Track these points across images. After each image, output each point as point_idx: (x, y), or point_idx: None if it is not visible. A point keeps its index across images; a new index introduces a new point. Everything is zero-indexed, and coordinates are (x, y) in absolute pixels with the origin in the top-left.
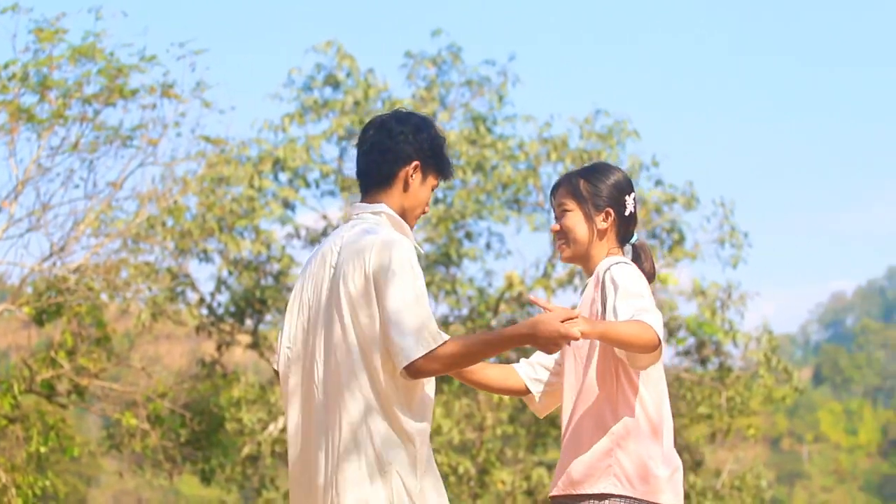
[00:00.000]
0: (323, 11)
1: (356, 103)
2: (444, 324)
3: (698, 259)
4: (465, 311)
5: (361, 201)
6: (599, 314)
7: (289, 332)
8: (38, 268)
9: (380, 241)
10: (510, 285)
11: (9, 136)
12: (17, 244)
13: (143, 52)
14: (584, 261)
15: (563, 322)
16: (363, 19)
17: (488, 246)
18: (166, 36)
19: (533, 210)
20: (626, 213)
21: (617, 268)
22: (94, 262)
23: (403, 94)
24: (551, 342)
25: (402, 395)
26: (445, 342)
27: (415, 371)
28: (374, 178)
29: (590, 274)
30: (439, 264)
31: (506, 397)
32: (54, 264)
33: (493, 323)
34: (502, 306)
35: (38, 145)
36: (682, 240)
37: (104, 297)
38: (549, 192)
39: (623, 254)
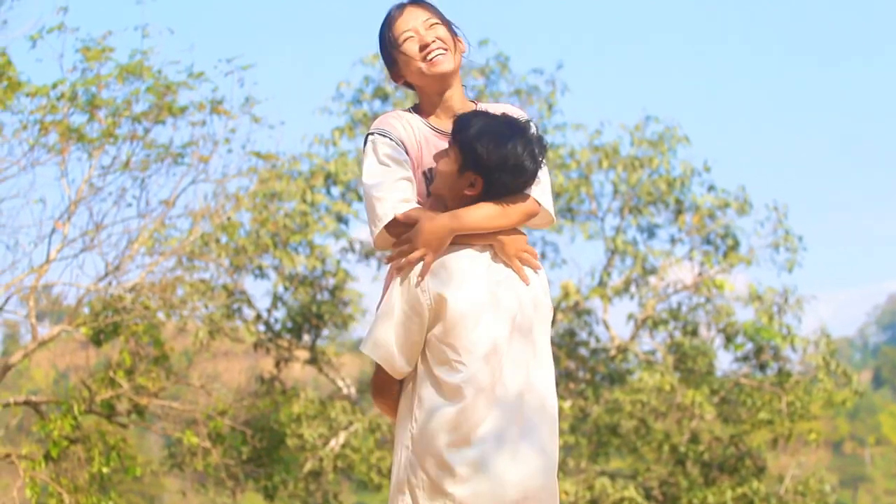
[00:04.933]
0: (370, 24)
1: None
2: None
3: (753, 264)
4: None
5: None
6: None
7: None
8: (93, 288)
9: None
10: (566, 294)
11: (60, 156)
12: (73, 264)
13: (190, 69)
14: (451, 81)
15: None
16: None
17: (543, 255)
18: (213, 52)
19: (586, 218)
20: None
21: None
22: (150, 280)
23: None
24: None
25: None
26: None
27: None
28: None
29: (444, 107)
30: None
31: (566, 407)
32: (110, 284)
33: (551, 333)
34: (559, 316)
35: (89, 165)
36: (736, 245)
37: (161, 315)
38: (600, 200)
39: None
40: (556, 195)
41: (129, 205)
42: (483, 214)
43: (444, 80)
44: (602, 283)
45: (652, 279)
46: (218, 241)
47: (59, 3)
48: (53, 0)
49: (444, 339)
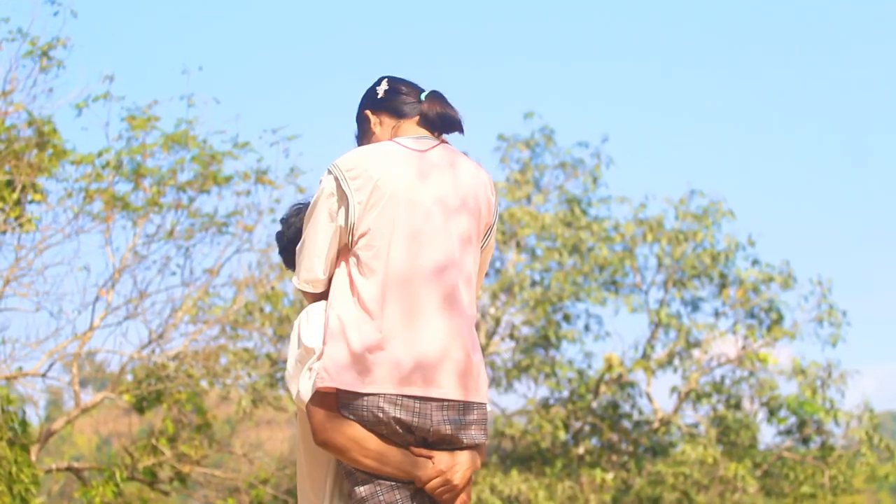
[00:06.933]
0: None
1: None
2: (544, 406)
3: (797, 338)
4: (565, 394)
5: None
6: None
7: None
8: (137, 355)
9: None
10: (610, 367)
11: (104, 224)
12: (116, 332)
13: (235, 139)
14: None
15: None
16: (455, 102)
17: (587, 328)
18: (259, 122)
19: (630, 291)
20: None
21: None
22: (193, 348)
23: (497, 177)
24: None
25: None
26: None
27: None
28: None
29: None
30: (538, 346)
31: (609, 479)
32: (153, 352)
33: (594, 405)
34: (602, 388)
35: (133, 233)
36: (780, 319)
37: (204, 383)
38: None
39: None
40: (601, 268)
41: (173, 273)
42: None
43: None
44: (645, 356)
45: (695, 352)
46: (262, 310)
47: (105, 71)
48: (99, 69)
49: None
